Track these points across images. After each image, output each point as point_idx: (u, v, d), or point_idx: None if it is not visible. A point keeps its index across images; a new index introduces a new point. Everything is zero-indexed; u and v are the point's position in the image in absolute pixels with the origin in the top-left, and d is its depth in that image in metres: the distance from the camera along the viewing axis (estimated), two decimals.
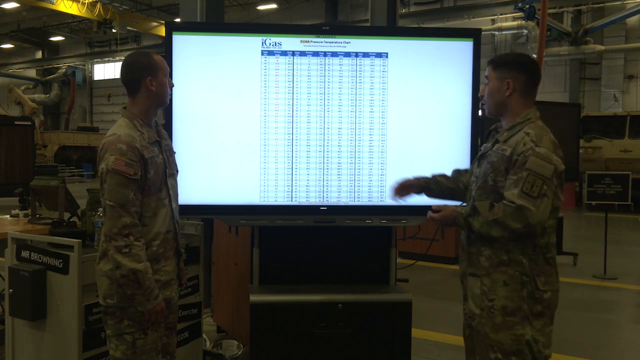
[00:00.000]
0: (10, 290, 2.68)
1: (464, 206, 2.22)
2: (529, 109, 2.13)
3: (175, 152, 2.44)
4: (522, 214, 1.94)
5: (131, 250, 2.04)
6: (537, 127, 2.07)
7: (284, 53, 2.74)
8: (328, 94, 2.76)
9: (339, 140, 2.78)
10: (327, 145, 2.77)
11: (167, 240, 2.23)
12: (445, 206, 2.23)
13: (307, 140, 2.77)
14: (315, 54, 2.76)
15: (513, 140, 2.06)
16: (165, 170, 2.24)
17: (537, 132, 2.04)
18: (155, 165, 2.18)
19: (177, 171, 2.44)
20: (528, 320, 2.04)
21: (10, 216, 4.04)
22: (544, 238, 2.06)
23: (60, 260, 2.54)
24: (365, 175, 2.79)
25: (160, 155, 2.22)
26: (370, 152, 2.79)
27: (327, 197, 2.79)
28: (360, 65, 2.77)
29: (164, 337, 2.34)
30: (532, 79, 2.15)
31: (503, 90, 2.13)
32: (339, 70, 2.77)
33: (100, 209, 2.63)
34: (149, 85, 2.18)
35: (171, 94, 2.31)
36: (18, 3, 23.60)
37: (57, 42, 33.17)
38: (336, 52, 2.76)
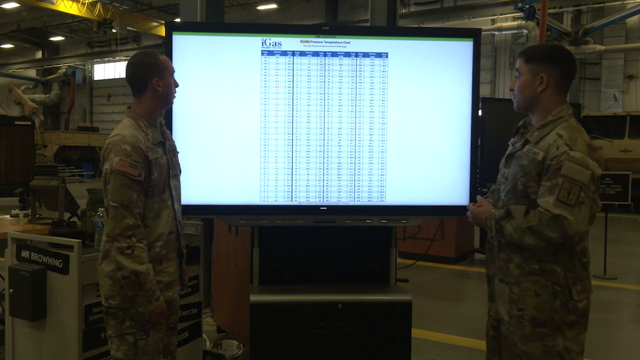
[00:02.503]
0: (10, 290, 2.68)
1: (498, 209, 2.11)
2: (562, 105, 2.01)
3: (179, 152, 2.44)
4: (560, 223, 1.83)
5: (133, 251, 2.04)
6: (571, 127, 1.95)
7: (284, 53, 2.74)
8: (328, 94, 2.76)
9: (339, 140, 2.78)
10: (327, 145, 2.77)
11: (170, 242, 2.23)
12: (484, 202, 2.15)
13: (307, 140, 2.77)
14: (315, 54, 2.76)
15: (545, 143, 1.95)
16: (169, 171, 2.24)
17: (571, 135, 1.91)
18: (160, 167, 2.17)
19: (181, 171, 2.44)
20: (560, 331, 1.95)
21: (10, 216, 4.04)
22: (579, 244, 1.98)
23: (60, 260, 2.54)
24: (365, 175, 2.79)
25: (164, 156, 2.22)
26: (370, 152, 2.79)
27: (327, 197, 2.79)
28: (360, 65, 2.77)
29: (165, 338, 2.34)
30: (568, 74, 2.02)
31: (536, 85, 2.00)
32: (339, 70, 2.77)
33: (100, 209, 2.63)
34: (155, 86, 2.17)
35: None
36: (18, 3, 23.60)
37: (57, 42, 33.16)
38: (336, 52, 2.76)
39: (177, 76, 2.66)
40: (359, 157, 2.78)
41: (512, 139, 2.17)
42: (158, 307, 2.11)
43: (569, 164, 1.86)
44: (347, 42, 2.76)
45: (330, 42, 2.76)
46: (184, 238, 2.37)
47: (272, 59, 2.74)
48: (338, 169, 2.78)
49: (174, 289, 2.29)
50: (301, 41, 2.75)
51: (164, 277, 2.20)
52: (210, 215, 2.94)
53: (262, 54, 2.73)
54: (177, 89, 2.31)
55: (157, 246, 2.17)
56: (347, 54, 2.76)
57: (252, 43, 2.73)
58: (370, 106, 2.78)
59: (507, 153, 2.16)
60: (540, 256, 1.96)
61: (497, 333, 2.18)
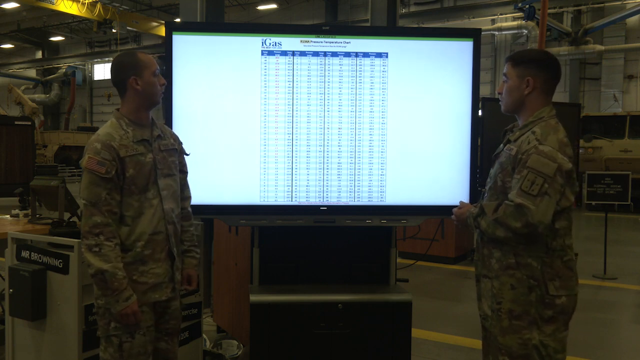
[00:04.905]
0: (10, 290, 2.68)
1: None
2: (545, 106, 2.10)
3: (188, 154, 2.43)
4: (522, 212, 1.91)
5: (101, 249, 2.04)
6: (547, 125, 2.04)
7: (284, 53, 2.74)
8: (328, 94, 2.76)
9: (339, 140, 2.78)
10: (327, 145, 2.77)
11: (156, 242, 2.19)
12: (464, 204, 2.26)
13: (307, 140, 2.77)
14: (315, 54, 2.76)
15: (520, 140, 2.04)
16: (156, 169, 2.21)
17: (543, 131, 2.01)
18: (138, 164, 2.15)
19: (185, 172, 2.42)
20: (536, 325, 2.01)
21: (10, 216, 4.04)
22: (557, 240, 2.02)
23: (60, 260, 2.55)
24: (365, 175, 2.79)
25: (148, 154, 2.20)
26: (370, 152, 2.79)
27: (327, 197, 2.79)
28: (360, 65, 2.77)
29: (162, 343, 2.30)
30: (553, 77, 2.12)
31: (522, 89, 2.09)
32: (339, 70, 2.77)
33: None
34: (134, 85, 2.18)
35: (163, 92, 2.29)
36: (18, 3, 23.58)
37: (57, 42, 33.15)
38: (336, 52, 2.76)
39: (177, 76, 2.66)
40: (359, 157, 2.78)
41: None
42: (127, 307, 2.06)
43: (535, 157, 1.94)
44: (347, 42, 2.76)
45: (330, 42, 2.76)
46: (178, 239, 2.31)
47: (272, 58, 2.74)
48: (338, 169, 2.78)
49: (164, 291, 2.23)
50: (301, 41, 2.75)
51: (149, 279, 2.17)
52: (210, 215, 2.94)
53: (262, 54, 2.73)
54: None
55: (139, 246, 2.14)
56: (347, 54, 2.76)
57: (252, 43, 2.73)
58: (370, 106, 2.78)
59: (494, 154, 2.25)
60: (517, 250, 2.03)
61: (486, 332, 2.22)
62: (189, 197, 2.46)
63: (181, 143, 2.42)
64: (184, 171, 2.42)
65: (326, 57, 2.76)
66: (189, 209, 2.44)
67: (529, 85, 2.08)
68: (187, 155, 2.44)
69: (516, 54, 2.17)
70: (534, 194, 1.91)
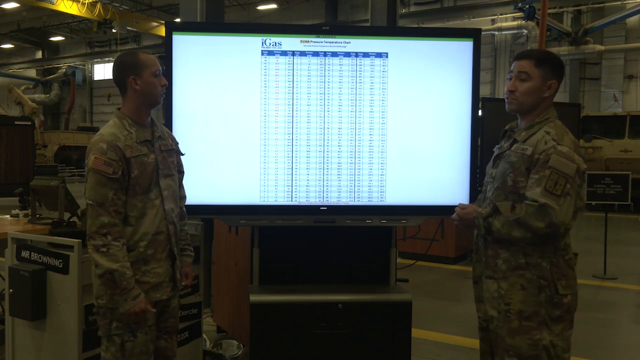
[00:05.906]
0: (10, 290, 2.68)
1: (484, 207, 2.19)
2: (549, 108, 2.11)
3: (184, 154, 2.43)
4: (546, 212, 1.90)
5: (109, 250, 2.04)
6: (557, 126, 2.05)
7: (284, 53, 2.74)
8: (328, 94, 2.76)
9: (339, 140, 2.78)
10: (327, 145, 2.77)
11: (158, 242, 2.20)
12: (468, 205, 2.23)
13: (307, 140, 2.77)
14: (315, 54, 2.76)
15: (534, 139, 2.03)
16: (157, 170, 2.22)
17: (558, 132, 2.01)
18: (142, 165, 2.16)
19: (182, 172, 2.43)
20: (546, 325, 2.00)
21: (10, 216, 4.04)
22: (563, 240, 2.03)
23: (60, 260, 2.55)
24: (365, 175, 2.79)
25: (151, 154, 2.21)
26: (370, 152, 2.79)
27: (327, 197, 2.79)
28: (360, 65, 2.77)
29: (162, 341, 2.31)
30: (562, 80, 2.14)
31: (544, 90, 2.08)
32: (339, 70, 2.77)
33: None
34: (133, 84, 2.19)
35: (164, 93, 2.29)
36: (18, 3, 23.58)
37: (57, 42, 33.15)
38: (336, 52, 2.76)
39: (177, 76, 2.66)
40: (359, 157, 2.78)
41: (499, 143, 2.24)
42: (136, 306, 2.08)
43: (556, 157, 1.94)
44: (347, 42, 2.76)
45: (330, 42, 2.76)
46: (177, 239, 2.33)
47: (272, 59, 2.74)
48: (338, 169, 2.78)
49: (164, 290, 2.24)
50: (301, 41, 2.75)
51: (151, 278, 2.18)
52: (210, 215, 2.94)
53: (262, 54, 2.73)
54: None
55: (142, 246, 2.15)
56: (347, 54, 2.76)
57: (252, 43, 2.73)
58: (370, 106, 2.78)
59: (494, 155, 2.22)
60: (526, 250, 2.02)
61: (486, 334, 2.21)
62: (184, 197, 2.48)
63: (177, 143, 2.42)
64: (181, 171, 2.43)
65: (326, 57, 2.76)
66: (184, 208, 2.47)
67: (550, 88, 2.08)
68: (182, 155, 2.44)
69: (535, 52, 2.14)
70: (557, 194, 1.90)
